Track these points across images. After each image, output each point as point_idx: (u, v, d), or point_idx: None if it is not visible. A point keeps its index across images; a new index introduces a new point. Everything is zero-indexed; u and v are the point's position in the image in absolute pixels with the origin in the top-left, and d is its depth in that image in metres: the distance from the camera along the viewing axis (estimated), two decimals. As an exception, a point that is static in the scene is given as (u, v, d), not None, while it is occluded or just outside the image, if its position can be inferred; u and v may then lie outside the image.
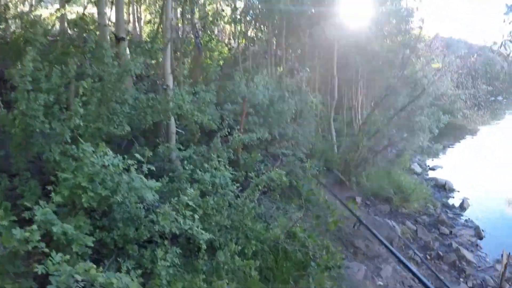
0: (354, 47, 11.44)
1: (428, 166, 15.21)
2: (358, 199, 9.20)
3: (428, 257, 7.46)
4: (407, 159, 12.30)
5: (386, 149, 9.57)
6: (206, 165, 5.11)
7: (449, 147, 17.84)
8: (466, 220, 9.76)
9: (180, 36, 10.07)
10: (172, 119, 6.39)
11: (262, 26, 12.45)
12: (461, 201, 10.89)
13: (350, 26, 12.19)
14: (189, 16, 10.36)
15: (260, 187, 5.14)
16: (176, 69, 8.31)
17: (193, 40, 10.35)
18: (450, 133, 18.37)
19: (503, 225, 9.60)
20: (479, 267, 7.41)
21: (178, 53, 9.75)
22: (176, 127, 6.71)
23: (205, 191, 4.75)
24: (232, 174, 5.30)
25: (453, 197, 11.63)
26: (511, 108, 35.20)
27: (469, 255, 7.66)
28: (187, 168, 5.20)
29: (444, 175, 13.47)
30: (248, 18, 11.97)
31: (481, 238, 8.73)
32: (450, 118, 11.63)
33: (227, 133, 6.40)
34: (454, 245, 8.06)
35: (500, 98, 38.09)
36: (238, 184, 5.19)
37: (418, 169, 14.04)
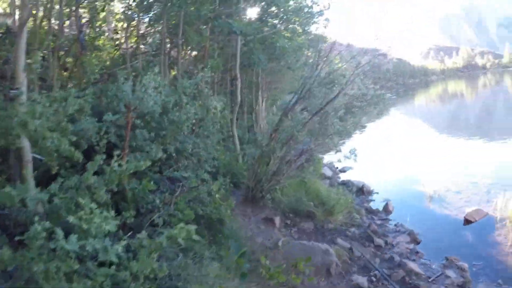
0: (259, 44, 10.25)
1: (337, 168, 14.44)
2: (277, 220, 7.70)
3: (374, 279, 6.30)
4: (320, 165, 11.48)
5: (300, 157, 8.32)
6: (71, 219, 3.13)
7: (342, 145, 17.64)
8: (396, 225, 8.95)
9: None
10: (26, 141, 4.09)
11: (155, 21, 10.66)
12: (384, 203, 10.15)
13: (255, 19, 11.04)
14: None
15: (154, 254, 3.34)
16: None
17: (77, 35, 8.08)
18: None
19: (433, 224, 9.10)
20: (429, 278, 6.50)
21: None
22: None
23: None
24: (115, 216, 3.57)
25: (374, 200, 10.89)
26: (396, 105, 38.60)
27: (415, 267, 6.66)
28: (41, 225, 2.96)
29: (357, 176, 12.77)
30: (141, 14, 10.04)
31: (418, 243, 7.96)
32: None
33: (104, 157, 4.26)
34: (396, 258, 7.04)
35: (388, 95, 41.51)
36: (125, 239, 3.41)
37: (328, 173, 13.12)
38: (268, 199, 8.16)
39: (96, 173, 4.14)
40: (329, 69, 8.22)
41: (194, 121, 6.88)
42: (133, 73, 8.40)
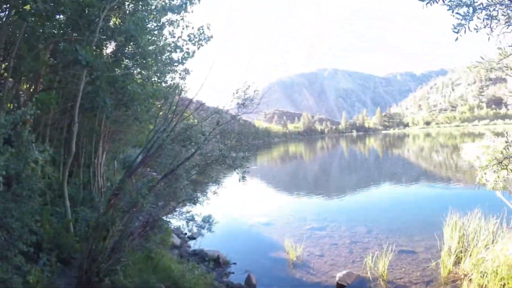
0: (107, 85, 8.63)
1: (186, 234, 12.93)
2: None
3: None
4: (170, 235, 10.03)
5: (146, 227, 6.76)
6: None
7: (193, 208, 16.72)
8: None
9: None
10: None
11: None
12: (245, 276, 8.95)
13: (108, 55, 9.44)
14: None
15: None
16: None
17: None
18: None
19: None
20: None
21: None
22: None
23: None
24: None
25: (233, 273, 9.60)
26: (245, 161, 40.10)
27: None
28: None
29: (209, 244, 11.37)
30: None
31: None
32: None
33: None
34: None
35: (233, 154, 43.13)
36: None
37: (176, 241, 11.52)
38: (107, 284, 6.24)
39: None
40: (184, 124, 7.16)
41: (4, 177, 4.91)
42: None
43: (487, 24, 3.49)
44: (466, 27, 3.57)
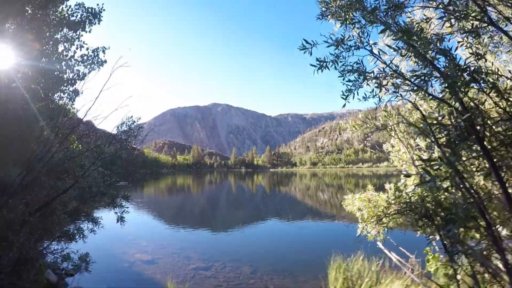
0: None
1: (63, 270, 10.96)
2: None
3: None
4: (44, 274, 8.58)
5: (18, 265, 5.72)
6: None
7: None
8: None
9: None
10: None
11: None
12: None
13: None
14: None
15: None
16: None
17: None
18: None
19: None
20: None
21: None
22: None
23: None
24: None
25: None
26: (131, 191, 38.10)
27: None
28: None
29: (87, 281, 9.75)
30: None
31: None
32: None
33: None
34: None
35: (122, 183, 40.68)
36: None
37: (53, 277, 9.59)
38: None
39: None
40: (64, 155, 6.42)
41: None
42: None
43: (376, 94, 3.93)
44: (356, 93, 3.98)
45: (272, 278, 11.79)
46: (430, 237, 4.65)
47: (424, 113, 4.14)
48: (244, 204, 41.46)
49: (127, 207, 6.74)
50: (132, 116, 6.53)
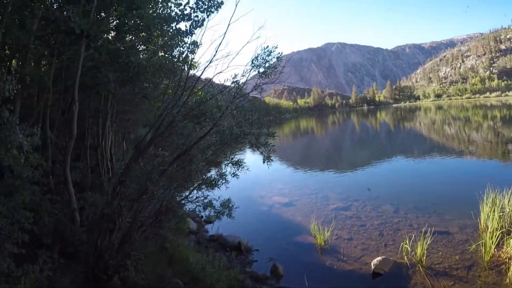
0: (109, 58, 7.71)
1: (203, 218, 11.96)
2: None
3: None
4: (186, 223, 9.24)
5: (158, 216, 5.96)
6: None
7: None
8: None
9: None
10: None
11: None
12: (271, 265, 8.01)
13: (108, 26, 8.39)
14: None
15: None
16: None
17: None
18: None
19: (339, 284, 7.43)
20: None
21: None
22: None
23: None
24: None
25: (257, 261, 8.60)
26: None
27: None
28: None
29: (227, 228, 10.36)
30: None
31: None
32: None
33: None
34: None
35: (255, 130, 42.03)
36: None
37: (193, 225, 10.52)
38: (117, 280, 5.43)
39: None
40: (197, 99, 6.17)
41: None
42: None
43: None
44: None
45: (417, 217, 10.83)
46: None
47: None
48: (373, 141, 39.46)
49: (273, 146, 6.28)
50: (267, 47, 5.75)
